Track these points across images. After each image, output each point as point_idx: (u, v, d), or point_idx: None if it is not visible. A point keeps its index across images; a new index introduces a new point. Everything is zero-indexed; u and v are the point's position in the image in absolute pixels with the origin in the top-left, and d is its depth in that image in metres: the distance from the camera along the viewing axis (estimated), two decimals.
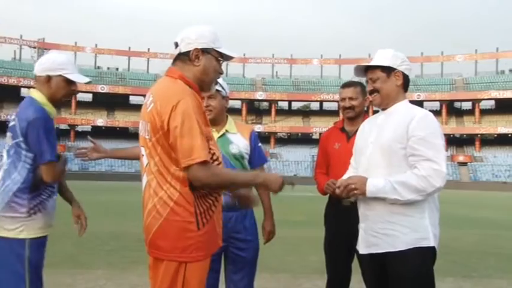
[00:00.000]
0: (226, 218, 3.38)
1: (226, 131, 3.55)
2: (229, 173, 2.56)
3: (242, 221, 3.51)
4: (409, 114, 2.82)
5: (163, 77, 2.54)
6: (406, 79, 2.97)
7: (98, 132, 67.99)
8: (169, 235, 2.34)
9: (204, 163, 2.28)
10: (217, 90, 3.49)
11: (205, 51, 2.50)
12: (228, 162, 3.42)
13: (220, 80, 3.47)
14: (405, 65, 2.96)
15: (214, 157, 2.47)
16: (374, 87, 2.95)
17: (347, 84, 3.96)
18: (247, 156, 3.57)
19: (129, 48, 71.98)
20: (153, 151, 2.38)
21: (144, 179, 2.46)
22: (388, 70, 2.92)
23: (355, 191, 2.79)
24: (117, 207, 17.91)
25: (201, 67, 2.50)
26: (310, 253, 8.06)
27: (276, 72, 75.23)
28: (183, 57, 2.52)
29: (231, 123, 3.61)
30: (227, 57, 2.61)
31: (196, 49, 2.48)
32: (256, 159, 3.64)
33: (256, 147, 3.65)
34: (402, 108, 2.91)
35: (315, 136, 68.06)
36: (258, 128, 66.92)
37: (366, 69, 3.00)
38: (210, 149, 2.43)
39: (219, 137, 3.48)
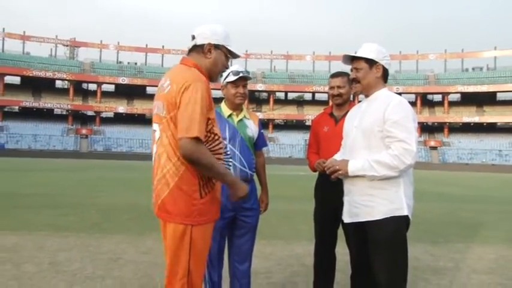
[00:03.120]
0: None
1: (244, 116, 3.59)
2: (212, 158, 2.35)
3: (250, 192, 3.51)
4: (386, 101, 2.81)
5: (179, 65, 2.55)
6: (385, 72, 2.95)
7: (119, 118, 67.98)
8: (177, 202, 2.37)
9: (196, 139, 2.28)
10: (246, 78, 3.53)
11: (217, 46, 2.54)
12: (244, 144, 3.48)
13: (243, 69, 3.52)
14: (386, 59, 2.94)
15: (216, 137, 2.48)
16: (356, 76, 2.93)
17: (336, 75, 3.91)
18: (255, 140, 3.61)
19: (146, 45, 71.42)
20: (166, 126, 2.39)
21: (154, 150, 2.48)
22: (370, 62, 2.89)
23: (339, 172, 2.81)
24: (135, 183, 17.94)
25: (212, 59, 2.54)
26: (301, 223, 8.08)
27: (274, 66, 74.81)
28: (197, 49, 2.55)
29: (245, 110, 3.64)
30: (234, 55, 2.64)
31: (209, 43, 2.53)
32: (261, 142, 3.68)
33: (261, 132, 3.70)
34: (381, 96, 2.89)
35: (308, 123, 67.85)
36: (259, 115, 66.14)
37: (352, 59, 2.97)
38: (213, 130, 2.44)
39: (239, 121, 3.53)
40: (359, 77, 2.92)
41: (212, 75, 2.58)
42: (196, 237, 2.39)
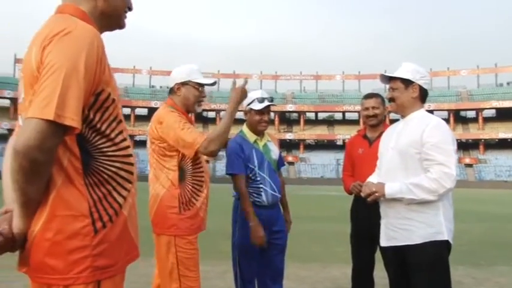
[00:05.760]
0: (268, 214, 3.47)
1: (268, 141, 3.60)
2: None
3: (277, 216, 3.56)
4: (424, 122, 2.74)
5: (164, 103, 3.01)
6: (423, 92, 2.88)
7: None
8: (159, 216, 2.82)
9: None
10: (270, 105, 3.57)
11: (183, 83, 2.89)
12: (270, 168, 3.51)
13: (267, 95, 3.56)
14: (424, 79, 2.87)
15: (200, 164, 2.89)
16: (392, 95, 2.89)
17: (370, 96, 3.92)
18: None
19: None
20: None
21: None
22: (407, 82, 2.84)
23: (376, 194, 2.75)
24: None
25: (182, 96, 2.90)
26: (337, 245, 7.91)
27: (304, 87, 75.00)
28: (172, 91, 2.96)
29: (266, 133, 3.63)
30: (203, 85, 2.93)
31: (176, 83, 2.91)
32: (281, 163, 3.70)
33: (280, 152, 3.71)
34: (418, 117, 2.83)
35: (339, 142, 67.48)
36: (289, 135, 66.84)
37: (389, 79, 2.93)
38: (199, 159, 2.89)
39: (263, 146, 3.54)
40: (394, 96, 2.88)
41: (188, 108, 2.91)
42: (180, 248, 2.73)
